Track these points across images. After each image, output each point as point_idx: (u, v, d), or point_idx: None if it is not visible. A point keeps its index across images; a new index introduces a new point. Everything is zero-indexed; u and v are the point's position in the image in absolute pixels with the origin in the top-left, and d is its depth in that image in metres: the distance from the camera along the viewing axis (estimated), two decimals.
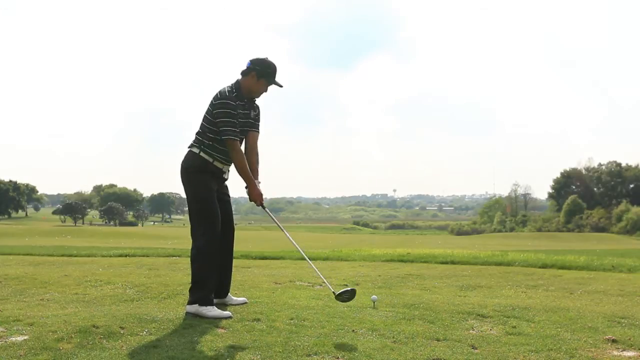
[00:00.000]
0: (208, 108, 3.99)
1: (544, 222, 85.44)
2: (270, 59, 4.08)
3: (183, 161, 4.06)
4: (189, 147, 4.06)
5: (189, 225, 4.09)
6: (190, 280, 4.02)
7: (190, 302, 3.86)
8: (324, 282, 4.29)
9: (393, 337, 3.32)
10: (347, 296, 3.94)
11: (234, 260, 4.23)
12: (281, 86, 4.10)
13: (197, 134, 4.04)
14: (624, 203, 75.04)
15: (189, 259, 8.11)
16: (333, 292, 3.98)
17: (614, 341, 3.37)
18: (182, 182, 4.05)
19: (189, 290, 3.96)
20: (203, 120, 4.02)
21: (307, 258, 4.43)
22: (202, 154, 3.99)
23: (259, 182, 4.07)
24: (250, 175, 3.98)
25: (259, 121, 4.16)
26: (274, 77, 4.07)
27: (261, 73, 4.02)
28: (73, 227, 74.65)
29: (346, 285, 5.70)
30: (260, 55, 4.09)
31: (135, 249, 12.43)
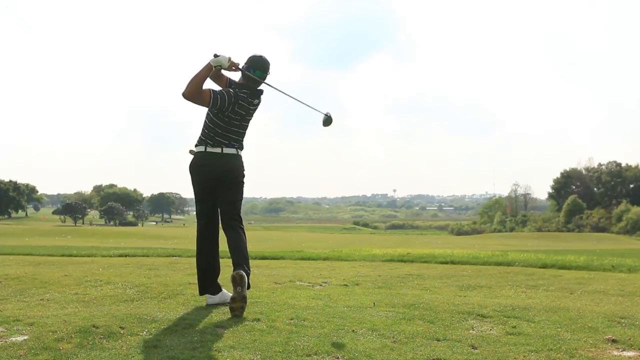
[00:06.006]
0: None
1: (544, 222, 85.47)
2: (261, 55, 4.33)
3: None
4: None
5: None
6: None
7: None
8: (311, 107, 4.50)
9: (393, 337, 3.32)
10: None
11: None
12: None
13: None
14: (624, 203, 75.07)
15: (188, 258, 8.16)
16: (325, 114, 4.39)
17: (614, 341, 3.37)
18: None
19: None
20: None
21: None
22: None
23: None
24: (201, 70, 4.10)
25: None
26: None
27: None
28: (73, 227, 74.58)
29: (346, 285, 5.71)
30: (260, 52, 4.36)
31: (135, 249, 12.43)
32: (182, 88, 3.99)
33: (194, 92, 4.00)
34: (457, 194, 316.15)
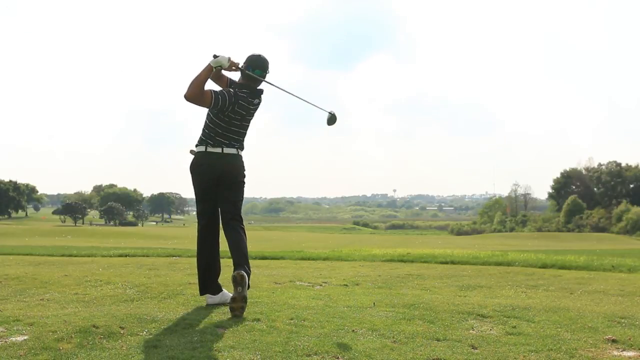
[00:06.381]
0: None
1: (544, 222, 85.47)
2: (260, 54, 4.34)
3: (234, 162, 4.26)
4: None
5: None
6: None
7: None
8: (315, 105, 4.47)
9: (393, 337, 3.32)
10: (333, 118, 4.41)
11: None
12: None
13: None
14: (624, 203, 75.09)
15: (188, 258, 8.16)
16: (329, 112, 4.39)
17: (614, 341, 3.37)
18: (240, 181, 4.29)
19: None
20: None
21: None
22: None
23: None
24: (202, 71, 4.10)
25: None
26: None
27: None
28: (73, 227, 74.58)
29: (346, 285, 5.71)
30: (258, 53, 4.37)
31: (135, 249, 12.44)
32: (184, 90, 3.99)
33: (195, 94, 4.00)
34: (457, 194, 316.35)
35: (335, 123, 4.47)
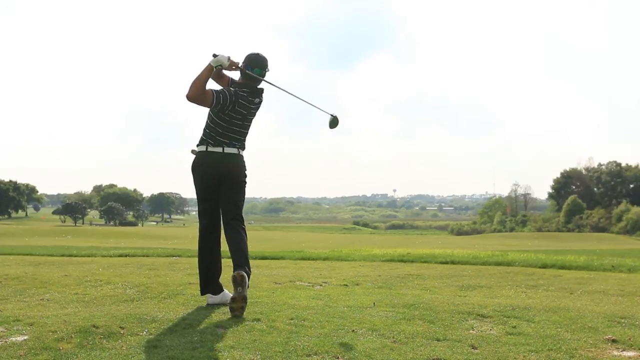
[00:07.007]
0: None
1: (544, 222, 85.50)
2: (258, 52, 4.34)
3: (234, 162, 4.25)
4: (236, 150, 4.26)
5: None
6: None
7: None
8: (318, 108, 4.47)
9: (393, 337, 3.32)
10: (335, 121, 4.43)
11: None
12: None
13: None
14: (624, 203, 75.13)
15: (188, 258, 8.16)
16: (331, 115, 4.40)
17: (614, 341, 3.37)
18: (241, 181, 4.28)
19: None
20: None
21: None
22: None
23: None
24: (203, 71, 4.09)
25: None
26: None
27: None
28: (73, 227, 74.59)
29: (346, 285, 5.71)
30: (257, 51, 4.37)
31: (135, 249, 12.44)
32: (186, 90, 3.99)
33: (197, 94, 4.00)
34: (457, 194, 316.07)
35: (338, 126, 4.47)
